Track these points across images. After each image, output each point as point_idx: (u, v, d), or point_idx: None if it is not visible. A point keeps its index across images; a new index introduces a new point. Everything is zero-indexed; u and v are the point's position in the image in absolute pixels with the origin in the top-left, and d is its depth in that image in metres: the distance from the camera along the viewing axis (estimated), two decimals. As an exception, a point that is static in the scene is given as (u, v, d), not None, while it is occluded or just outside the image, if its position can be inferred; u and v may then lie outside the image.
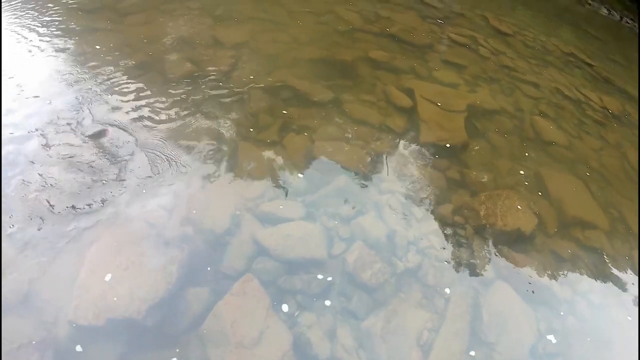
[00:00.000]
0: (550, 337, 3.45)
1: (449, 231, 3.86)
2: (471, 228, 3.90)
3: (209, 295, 2.67)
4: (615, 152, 5.41)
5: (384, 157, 4.34)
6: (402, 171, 4.27)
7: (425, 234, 3.75)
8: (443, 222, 3.91)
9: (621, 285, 3.93)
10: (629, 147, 5.41)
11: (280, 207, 3.47)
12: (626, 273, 4.02)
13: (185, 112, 4.12)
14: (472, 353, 3.15)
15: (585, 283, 3.85)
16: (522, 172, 4.45)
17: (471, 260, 3.71)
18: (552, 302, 3.64)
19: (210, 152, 3.88)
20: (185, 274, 2.72)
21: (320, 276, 3.14)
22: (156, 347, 2.41)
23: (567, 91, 6.38)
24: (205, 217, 3.07)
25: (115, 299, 2.46)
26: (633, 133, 5.89)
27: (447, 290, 3.39)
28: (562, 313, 3.61)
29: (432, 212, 3.97)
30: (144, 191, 3.25)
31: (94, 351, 2.32)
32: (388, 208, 3.83)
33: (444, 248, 3.70)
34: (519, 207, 4.03)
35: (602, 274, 3.92)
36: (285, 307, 2.88)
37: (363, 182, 3.99)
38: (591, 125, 5.68)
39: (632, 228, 4.25)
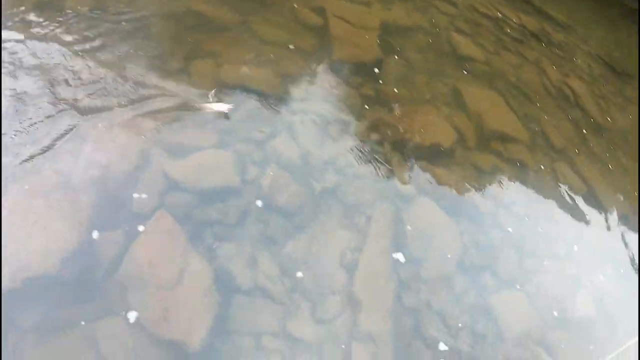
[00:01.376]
0: (475, 250, 4.24)
1: (366, 149, 4.48)
2: (389, 145, 4.58)
3: (122, 238, 2.98)
4: (533, 68, 6.54)
5: (296, 77, 4.84)
6: (315, 91, 4.83)
7: (342, 153, 4.34)
8: (360, 140, 4.53)
9: (544, 196, 4.91)
10: (548, 64, 6.65)
11: (190, 136, 3.85)
12: (548, 184, 5.00)
13: (86, 46, 4.29)
14: (398, 270, 3.82)
15: (507, 195, 4.75)
16: (439, 87, 5.35)
17: (391, 177, 4.37)
18: (476, 215, 4.45)
19: (113, 86, 4.12)
20: (96, 218, 3.02)
21: (236, 203, 3.59)
22: (77, 301, 2.73)
23: (484, 9, 7.52)
24: (111, 156, 3.39)
25: (27, 256, 2.72)
26: (552, 51, 7.27)
27: (368, 209, 3.99)
28: (486, 225, 4.42)
29: (348, 131, 4.57)
30: (45, 137, 3.37)
31: (15, 316, 2.56)
32: (302, 129, 4.35)
33: (362, 166, 4.31)
34: (437, 122, 4.81)
35: (524, 186, 4.87)
36: (202, 240, 3.19)
37: (275, 104, 4.47)
38: (509, 43, 6.82)
39: (552, 141, 5.36)
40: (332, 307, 3.31)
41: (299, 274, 3.44)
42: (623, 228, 5.08)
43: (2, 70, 3.67)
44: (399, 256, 3.87)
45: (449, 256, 4.07)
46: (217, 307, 2.95)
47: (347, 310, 3.34)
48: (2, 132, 3.27)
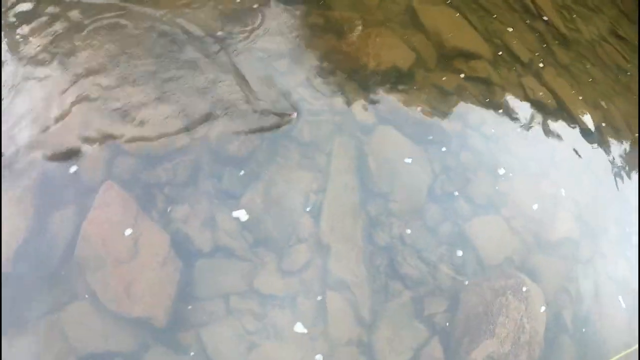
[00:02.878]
0: (446, 176, 4.02)
1: (318, 80, 4.16)
2: (343, 73, 4.25)
3: (72, 217, 2.88)
4: (493, -20, 6.03)
5: (236, 15, 4.46)
6: (257, 26, 4.44)
7: (293, 88, 4.03)
8: (311, 72, 4.21)
9: (513, 114, 4.68)
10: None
11: (129, 94, 3.55)
12: (517, 101, 4.76)
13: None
14: (366, 207, 3.64)
15: (475, 115, 4.51)
16: (392, 8, 4.85)
17: (348, 108, 4.08)
18: (443, 139, 4.21)
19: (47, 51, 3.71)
20: (42, 202, 2.91)
21: (184, 160, 3.37)
22: (37, 294, 2.67)
23: None
24: (51, 132, 3.24)
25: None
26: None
27: (327, 145, 3.76)
28: (454, 149, 4.19)
29: (297, 63, 4.22)
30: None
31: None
32: (247, 69, 4.02)
33: (316, 99, 4.02)
34: (393, 44, 4.43)
35: (491, 104, 4.61)
36: (155, 205, 3.10)
37: (215, 46, 4.12)
38: (462, -43, 6.33)
39: (517, 56, 5.00)
40: (300, 256, 3.23)
41: (261, 226, 3.22)
42: (597, 138, 4.94)
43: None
44: (365, 192, 3.68)
45: (419, 185, 3.88)
46: (179, 275, 2.88)
47: (317, 258, 3.27)
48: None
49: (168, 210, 3.03)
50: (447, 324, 3.47)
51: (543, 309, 3.71)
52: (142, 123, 3.39)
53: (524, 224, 4.03)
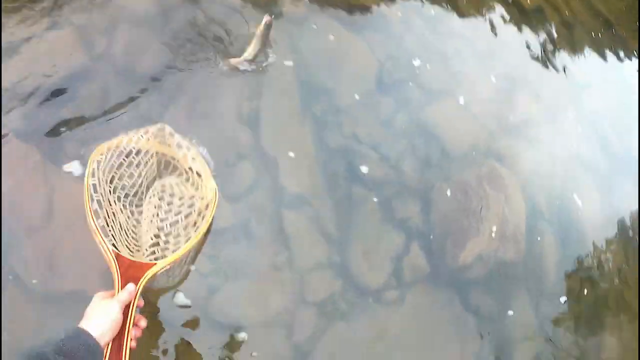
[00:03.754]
0: (393, 64, 3.58)
1: None
2: None
3: None
4: None
5: None
6: None
7: None
8: None
9: None
10: None
11: (11, 30, 2.71)
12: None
13: None
14: (311, 108, 3.11)
15: None
16: None
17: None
18: (384, 25, 3.71)
19: None
20: None
21: (89, 88, 2.69)
22: None
23: None
24: None
25: None
26: None
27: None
28: (398, 35, 3.74)
29: None
30: None
31: None
32: None
33: None
34: None
35: None
36: (63, 152, 2.46)
37: None
38: None
39: None
40: (244, 176, 2.72)
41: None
42: (542, 17, 4.67)
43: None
44: (306, 91, 3.12)
45: (365, 77, 3.41)
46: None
47: (264, 175, 2.75)
48: None
49: (81, 152, 2.46)
50: (424, 226, 3.06)
51: (521, 195, 3.39)
52: (33, 61, 2.71)
53: (483, 108, 3.70)
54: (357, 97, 3.25)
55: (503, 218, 3.04)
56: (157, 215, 2.20)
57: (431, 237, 3.00)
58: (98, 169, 1.91)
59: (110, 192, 2.08)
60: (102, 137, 2.43)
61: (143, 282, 1.56)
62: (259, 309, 2.45)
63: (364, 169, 3.03)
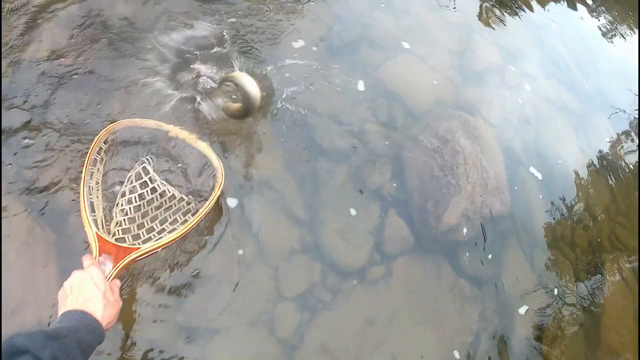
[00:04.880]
0: (341, 25, 3.35)
1: None
2: None
3: None
4: None
5: None
6: None
7: None
8: None
9: None
10: None
11: None
12: None
13: None
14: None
15: None
16: None
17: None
18: None
19: None
20: None
21: None
22: None
23: None
24: None
25: None
26: None
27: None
28: None
29: None
30: None
31: None
32: None
33: None
34: None
35: None
36: None
37: None
38: None
39: None
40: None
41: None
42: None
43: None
44: (253, 68, 2.77)
45: (312, 41, 3.11)
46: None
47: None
48: None
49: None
50: (400, 192, 2.80)
51: (497, 144, 3.14)
52: None
53: (442, 60, 3.48)
54: (307, 63, 2.97)
55: (482, 170, 2.78)
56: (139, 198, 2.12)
57: (409, 202, 2.74)
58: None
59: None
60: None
61: (122, 264, 1.59)
62: (232, 316, 2.15)
63: (326, 142, 2.75)
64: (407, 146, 2.84)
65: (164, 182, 2.15)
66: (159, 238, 1.83)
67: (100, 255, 1.58)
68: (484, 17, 3.94)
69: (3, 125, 2.08)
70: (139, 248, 1.66)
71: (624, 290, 3.25)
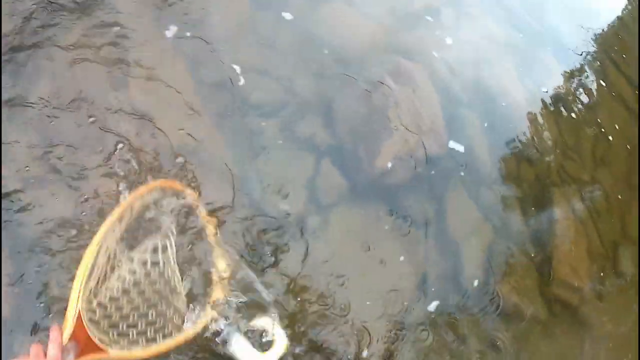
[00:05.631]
0: None
1: None
2: None
3: None
4: None
5: None
6: None
7: None
8: None
9: None
10: None
11: None
12: None
13: None
14: (182, 48, 2.73)
15: None
16: None
17: None
18: None
19: None
20: None
21: None
22: None
23: None
24: None
25: None
26: None
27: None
28: None
29: None
30: None
31: None
32: None
33: None
34: None
35: None
36: None
37: None
38: None
39: None
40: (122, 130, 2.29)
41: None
42: None
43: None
44: (174, 30, 2.73)
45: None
46: None
47: (144, 127, 2.38)
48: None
49: None
50: (332, 140, 2.76)
51: (432, 86, 3.13)
52: None
53: (375, 4, 3.39)
54: (230, 22, 2.88)
55: (415, 112, 2.73)
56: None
57: (342, 150, 2.71)
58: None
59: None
60: None
61: None
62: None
63: (255, 97, 2.70)
64: (337, 94, 2.82)
65: (176, 271, 1.81)
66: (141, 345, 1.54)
67: (70, 340, 1.27)
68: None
69: None
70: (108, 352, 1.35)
71: (574, 222, 3.29)
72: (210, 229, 2.05)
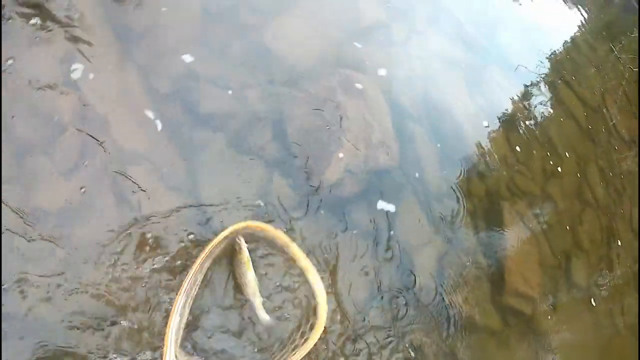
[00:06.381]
0: None
1: None
2: None
3: None
4: None
5: None
6: None
7: None
8: None
9: None
10: None
11: None
12: None
13: None
14: (134, 57, 2.75)
15: None
16: None
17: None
18: None
19: None
20: None
21: None
22: None
23: None
24: None
25: None
26: None
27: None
28: None
29: None
30: None
31: None
32: None
33: None
34: None
35: None
36: None
37: None
38: None
39: None
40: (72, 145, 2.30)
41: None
42: None
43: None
44: (127, 38, 2.75)
45: (187, 7, 3.02)
46: None
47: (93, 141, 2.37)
48: None
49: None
50: (281, 152, 2.76)
51: (382, 99, 3.16)
52: None
53: (326, 19, 3.43)
54: (184, 30, 2.90)
55: (366, 124, 2.79)
56: None
57: (292, 162, 2.73)
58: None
59: None
60: None
61: None
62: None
63: (204, 106, 2.70)
64: (287, 106, 2.83)
65: None
66: None
67: None
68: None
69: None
70: None
71: (525, 234, 3.37)
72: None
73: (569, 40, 5.67)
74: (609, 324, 3.23)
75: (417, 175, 3.05)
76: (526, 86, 4.31)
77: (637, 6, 9.52)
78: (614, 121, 5.12)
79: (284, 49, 3.03)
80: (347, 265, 2.56)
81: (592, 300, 3.22)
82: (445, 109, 3.52)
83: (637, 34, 7.60)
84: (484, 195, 3.35)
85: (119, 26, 2.69)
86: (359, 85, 3.01)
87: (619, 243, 3.45)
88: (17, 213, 2.03)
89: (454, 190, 3.20)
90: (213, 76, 2.75)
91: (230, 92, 2.76)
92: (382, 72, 3.35)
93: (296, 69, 2.98)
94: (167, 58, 2.70)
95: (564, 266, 3.40)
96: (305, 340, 1.97)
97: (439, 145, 3.30)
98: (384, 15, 3.69)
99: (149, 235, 2.16)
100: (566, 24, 6.10)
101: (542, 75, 4.64)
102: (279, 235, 2.07)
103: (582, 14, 5.94)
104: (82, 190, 2.25)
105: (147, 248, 2.13)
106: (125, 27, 2.69)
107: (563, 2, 5.76)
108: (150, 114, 2.53)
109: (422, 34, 3.82)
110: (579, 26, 6.23)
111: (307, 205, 2.60)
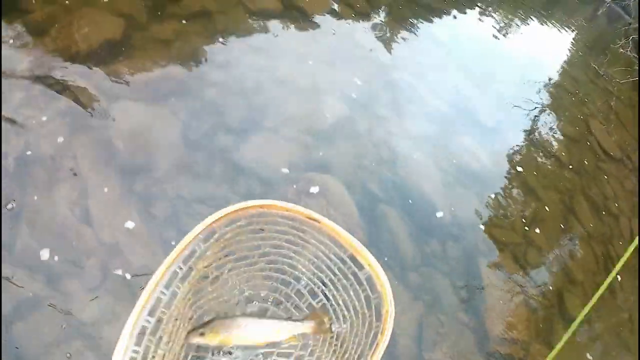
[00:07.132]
0: (196, 121, 3.71)
1: (34, 88, 3.49)
2: (57, 68, 3.63)
3: None
4: None
5: None
6: None
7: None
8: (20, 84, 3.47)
9: (240, 35, 4.48)
10: None
11: None
12: (239, 22, 4.49)
13: None
14: (134, 188, 3.19)
15: (204, 51, 4.25)
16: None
17: (69, 99, 3.51)
18: (182, 88, 3.90)
19: None
20: None
21: None
22: None
23: None
24: None
25: None
26: None
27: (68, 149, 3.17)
28: (195, 90, 3.89)
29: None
30: None
31: None
32: None
33: (29, 108, 3.41)
34: (99, 18, 4.04)
35: (215, 34, 4.42)
36: None
37: None
38: None
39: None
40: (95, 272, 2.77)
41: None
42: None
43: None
44: (125, 176, 3.22)
45: (171, 140, 3.49)
46: None
47: (113, 263, 2.84)
48: None
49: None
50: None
51: (346, 193, 3.58)
52: None
53: (292, 127, 3.91)
54: (171, 162, 3.36)
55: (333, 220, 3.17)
56: None
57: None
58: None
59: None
60: None
61: None
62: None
63: (182, 227, 3.04)
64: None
65: None
66: None
67: None
68: (327, 76, 4.49)
69: None
70: None
71: (507, 284, 3.70)
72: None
73: (550, 81, 6.25)
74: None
75: (389, 250, 3.45)
76: (493, 151, 4.75)
77: (621, 11, 9.62)
78: (601, 145, 5.29)
79: (257, 162, 3.47)
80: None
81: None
82: (414, 186, 3.95)
83: (621, 43, 7.74)
84: (461, 257, 3.71)
85: (116, 165, 3.24)
86: (319, 185, 3.49)
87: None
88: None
89: (428, 258, 3.54)
90: (197, 195, 3.22)
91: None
92: (348, 165, 3.82)
93: (268, 178, 3.44)
94: (161, 186, 3.24)
95: (556, 303, 3.74)
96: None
97: (408, 219, 3.68)
98: (347, 111, 4.20)
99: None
100: (549, 57, 6.37)
101: (517, 123, 5.20)
102: None
103: (570, 35, 6.18)
104: (102, 311, 2.66)
105: None
106: (123, 166, 3.25)
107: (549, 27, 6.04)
108: (149, 235, 3.03)
109: (385, 119, 4.35)
110: (562, 56, 6.47)
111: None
